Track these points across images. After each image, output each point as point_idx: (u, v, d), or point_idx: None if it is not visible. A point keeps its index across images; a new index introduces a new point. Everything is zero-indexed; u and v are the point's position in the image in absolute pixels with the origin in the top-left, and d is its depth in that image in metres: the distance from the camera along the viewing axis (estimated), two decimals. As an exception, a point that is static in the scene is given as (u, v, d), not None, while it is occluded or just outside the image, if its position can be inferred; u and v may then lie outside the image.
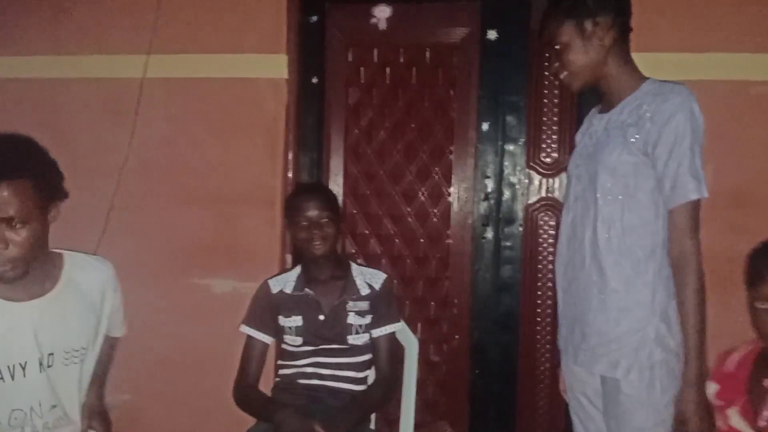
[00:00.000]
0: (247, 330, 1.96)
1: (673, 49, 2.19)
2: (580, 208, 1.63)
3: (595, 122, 1.66)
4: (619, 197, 1.53)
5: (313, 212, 1.89)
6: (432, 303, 2.62)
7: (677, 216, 1.48)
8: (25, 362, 1.45)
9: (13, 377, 1.44)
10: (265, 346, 1.97)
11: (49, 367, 1.48)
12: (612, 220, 1.54)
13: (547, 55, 2.42)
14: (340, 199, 2.61)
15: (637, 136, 1.50)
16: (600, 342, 1.56)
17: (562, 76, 1.63)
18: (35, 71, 2.54)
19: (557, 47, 1.59)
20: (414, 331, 2.12)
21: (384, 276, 2.01)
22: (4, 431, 1.44)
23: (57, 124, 2.49)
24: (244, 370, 1.94)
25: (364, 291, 1.96)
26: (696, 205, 1.48)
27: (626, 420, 1.53)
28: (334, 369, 1.93)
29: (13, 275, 1.38)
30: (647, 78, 1.59)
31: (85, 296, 1.57)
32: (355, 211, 2.64)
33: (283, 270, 2.16)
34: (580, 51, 1.56)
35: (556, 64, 1.62)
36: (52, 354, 1.49)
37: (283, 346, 1.98)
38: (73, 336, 1.53)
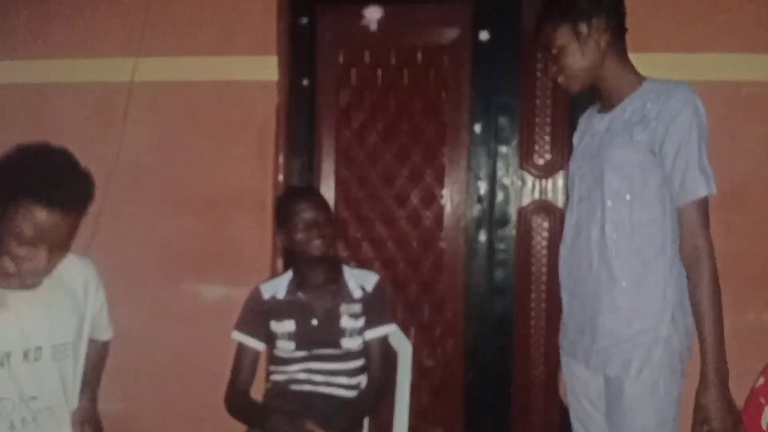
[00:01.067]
0: (239, 336, 1.94)
1: (665, 49, 2.19)
2: (585, 208, 1.61)
3: (595, 122, 1.65)
4: (627, 196, 1.52)
5: (311, 213, 1.88)
6: (425, 307, 2.60)
7: (687, 213, 1.47)
8: (10, 351, 1.44)
9: (1, 366, 1.43)
10: (257, 352, 1.94)
11: (36, 360, 1.48)
12: (620, 220, 1.53)
13: (539, 56, 2.42)
14: (331, 202, 2.59)
15: (642, 134, 1.50)
16: (613, 342, 1.54)
17: (559, 80, 1.63)
18: (23, 76, 2.52)
19: (554, 51, 1.59)
20: (407, 336, 2.10)
21: (376, 277, 1.99)
22: None
23: (45, 128, 2.46)
24: (236, 377, 1.92)
25: (357, 294, 1.94)
26: (705, 202, 1.47)
27: (629, 421, 1.52)
28: (327, 375, 1.91)
29: (34, 286, 1.44)
30: (646, 77, 1.59)
31: (69, 292, 1.57)
32: (346, 215, 2.61)
33: (275, 275, 2.13)
34: (577, 54, 1.56)
35: (554, 68, 1.62)
36: (40, 348, 1.48)
37: (276, 352, 1.95)
38: (60, 330, 1.53)
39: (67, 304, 1.56)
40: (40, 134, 2.41)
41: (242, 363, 1.92)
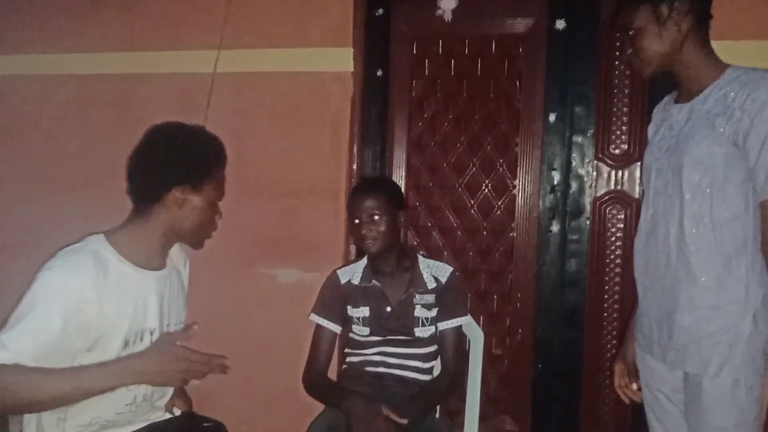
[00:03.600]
0: (316, 319, 2.00)
1: (753, 36, 2.11)
2: (662, 203, 1.57)
3: (674, 113, 1.60)
4: (708, 190, 1.48)
5: (363, 209, 1.89)
6: (495, 296, 2.61)
7: None
8: (153, 329, 1.53)
9: (142, 340, 1.51)
10: (334, 334, 2.00)
11: None
12: (700, 215, 1.48)
13: (618, 41, 2.37)
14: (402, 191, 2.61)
15: (725, 126, 1.44)
16: (691, 340, 1.51)
17: (633, 62, 1.59)
18: (110, 67, 2.63)
19: (631, 32, 1.55)
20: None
21: (450, 269, 2.01)
22: (122, 392, 1.48)
23: (131, 118, 2.58)
24: (314, 358, 1.98)
25: (431, 284, 1.96)
26: None
27: (707, 419, 1.49)
28: (401, 359, 1.95)
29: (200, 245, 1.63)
30: (729, 65, 1.53)
31: (180, 277, 1.69)
32: (417, 204, 2.64)
33: (352, 260, 2.18)
34: (655, 36, 1.52)
35: (629, 51, 1.58)
36: (169, 325, 1.58)
37: (351, 335, 2.01)
38: (179, 311, 1.64)
39: (180, 287, 1.68)
40: (126, 124, 2.57)
41: (320, 344, 1.98)
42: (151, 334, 1.52)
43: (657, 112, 1.72)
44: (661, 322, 1.58)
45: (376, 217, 1.88)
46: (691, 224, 1.50)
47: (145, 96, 2.60)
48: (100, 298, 1.39)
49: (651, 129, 1.73)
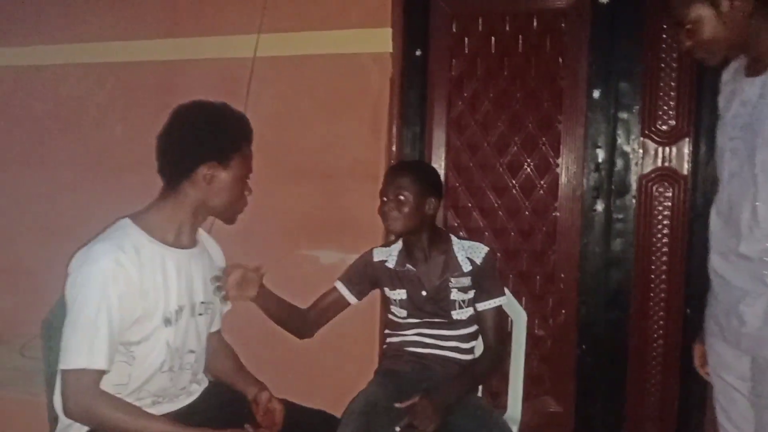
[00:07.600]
0: (338, 285, 2.05)
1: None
2: (737, 185, 1.49)
3: (746, 87, 1.50)
4: None
5: (390, 189, 1.90)
6: (537, 277, 2.57)
7: None
8: (184, 306, 1.59)
9: (182, 317, 1.58)
10: (345, 303, 2.05)
11: (200, 315, 1.65)
12: None
13: (664, 17, 2.29)
14: (442, 172, 2.59)
15: None
16: (766, 324, 1.44)
17: (697, 55, 1.50)
18: (152, 54, 2.68)
19: (688, 26, 1.45)
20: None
21: (485, 249, 1.97)
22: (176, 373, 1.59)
23: (174, 104, 2.61)
24: (312, 306, 2.05)
25: (466, 267, 1.94)
26: None
27: None
28: (440, 340, 1.95)
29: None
30: None
31: (213, 261, 1.75)
32: (457, 184, 2.62)
33: (387, 243, 2.18)
34: (717, 26, 1.42)
35: (688, 43, 1.48)
36: (201, 302, 1.65)
37: (390, 316, 2.02)
38: (206, 289, 1.69)
39: (210, 268, 1.72)
40: (171, 108, 2.61)
41: (324, 299, 2.05)
42: (192, 308, 1.60)
43: (726, 82, 1.61)
44: (732, 308, 1.52)
45: (402, 198, 1.87)
46: (765, 208, 1.42)
47: (188, 82, 2.63)
48: (140, 279, 1.47)
49: (721, 101, 1.62)
